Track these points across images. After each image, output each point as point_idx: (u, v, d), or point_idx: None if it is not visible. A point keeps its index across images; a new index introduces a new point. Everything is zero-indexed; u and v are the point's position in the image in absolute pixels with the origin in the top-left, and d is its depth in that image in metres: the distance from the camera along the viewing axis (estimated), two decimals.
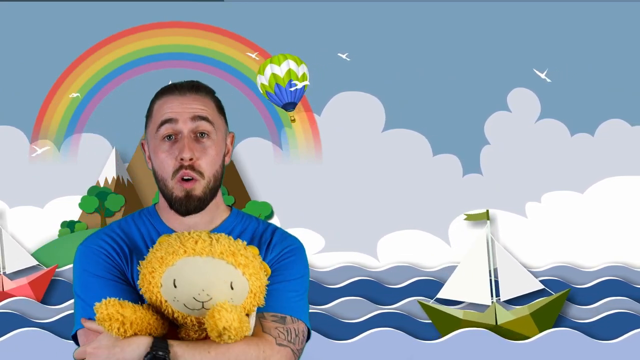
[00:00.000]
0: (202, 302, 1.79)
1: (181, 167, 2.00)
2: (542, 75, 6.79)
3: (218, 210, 2.09)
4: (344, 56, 6.92)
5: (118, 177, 7.10)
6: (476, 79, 6.94)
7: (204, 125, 2.03)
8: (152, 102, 2.09)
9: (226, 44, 7.06)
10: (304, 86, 6.77)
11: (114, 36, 7.11)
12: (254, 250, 1.88)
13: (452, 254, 6.85)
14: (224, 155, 2.10)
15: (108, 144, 7.09)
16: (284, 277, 2.02)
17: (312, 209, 6.87)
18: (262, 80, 6.78)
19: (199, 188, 2.01)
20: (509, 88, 6.97)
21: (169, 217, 2.06)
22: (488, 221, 6.27)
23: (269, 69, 6.72)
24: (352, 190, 6.92)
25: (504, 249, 6.33)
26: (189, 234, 1.86)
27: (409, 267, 6.83)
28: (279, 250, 2.04)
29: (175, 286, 1.80)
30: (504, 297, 6.20)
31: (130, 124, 6.93)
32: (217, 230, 2.05)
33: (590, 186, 6.82)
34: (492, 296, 6.20)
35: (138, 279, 1.88)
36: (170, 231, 2.03)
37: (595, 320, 6.18)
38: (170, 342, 1.83)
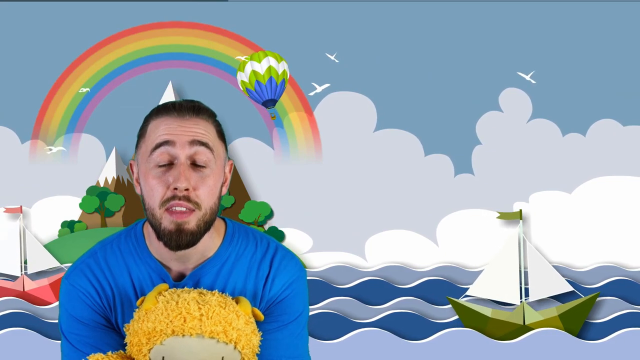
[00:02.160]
0: None
1: (174, 197, 1.80)
2: (527, 77, 6.78)
3: (211, 240, 1.92)
4: (332, 57, 6.93)
5: (118, 177, 7.07)
6: (468, 79, 6.93)
7: (203, 153, 1.84)
8: (147, 120, 1.90)
9: (226, 44, 7.04)
10: (284, 83, 6.78)
11: (114, 36, 7.08)
12: (246, 307, 1.81)
13: (441, 254, 6.85)
14: (222, 186, 1.91)
15: (108, 144, 7.07)
16: (288, 318, 1.94)
17: (303, 209, 6.88)
18: (243, 77, 6.74)
19: (193, 221, 1.81)
20: (500, 88, 6.96)
21: (157, 247, 1.90)
22: (520, 221, 6.27)
23: (249, 66, 6.69)
24: (344, 190, 6.92)
25: (535, 249, 6.32)
26: (177, 303, 1.75)
27: (400, 267, 6.84)
28: (278, 288, 1.92)
29: None
30: (532, 297, 6.20)
31: (131, 124, 6.97)
32: (209, 262, 1.92)
33: (578, 186, 6.79)
34: (521, 296, 6.20)
35: (124, 323, 1.83)
36: (159, 267, 1.90)
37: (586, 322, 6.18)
38: None
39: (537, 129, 6.95)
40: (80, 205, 7.04)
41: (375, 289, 6.71)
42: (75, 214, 7.05)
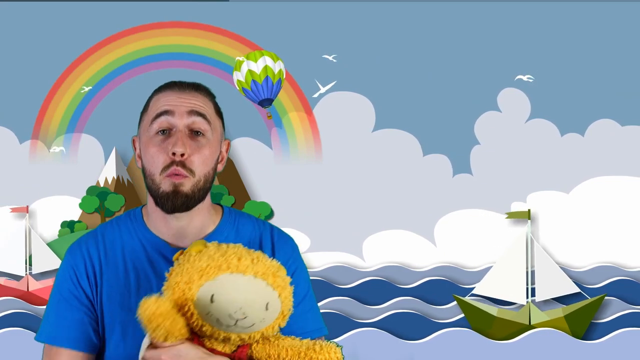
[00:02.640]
0: (237, 320, 1.77)
1: (172, 162, 1.93)
2: (525, 78, 6.78)
3: (209, 215, 2.04)
4: (330, 57, 6.94)
5: (118, 177, 7.06)
6: (466, 79, 6.93)
7: (200, 122, 1.97)
8: (150, 97, 2.07)
9: (226, 44, 7.03)
10: (280, 82, 6.77)
11: (114, 36, 7.07)
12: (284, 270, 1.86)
13: (439, 254, 6.85)
14: (218, 161, 2.03)
15: (108, 144, 7.06)
16: (301, 290, 2.01)
17: (301, 208, 6.89)
18: (239, 76, 6.74)
19: (187, 184, 1.94)
20: (499, 88, 6.95)
21: (155, 221, 2.01)
22: (529, 220, 6.27)
23: (245, 66, 6.69)
24: (342, 190, 6.93)
25: (543, 249, 6.32)
26: (228, 246, 1.83)
27: (399, 267, 6.84)
28: (284, 259, 1.96)
29: (212, 301, 1.76)
30: (539, 297, 6.20)
31: (131, 124, 6.97)
32: (210, 237, 2.01)
33: (576, 186, 6.78)
34: (527, 296, 6.20)
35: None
36: (157, 240, 2.00)
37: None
38: None
39: (535, 129, 6.94)
40: (80, 205, 7.02)
41: (375, 289, 6.72)
42: (75, 214, 7.03)
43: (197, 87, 2.04)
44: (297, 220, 6.86)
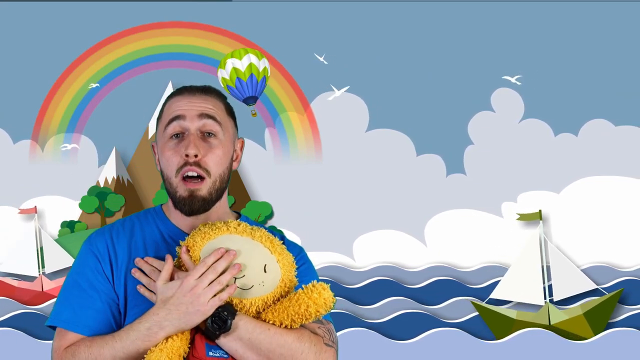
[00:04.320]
0: (235, 278, 1.84)
1: (186, 164, 1.99)
2: (513, 80, 6.76)
3: (225, 216, 2.08)
4: (321, 58, 6.95)
5: (118, 177, 7.05)
6: (459, 79, 6.93)
7: (210, 124, 2.02)
8: (163, 104, 2.11)
9: (226, 44, 7.03)
10: (264, 80, 6.75)
11: (114, 36, 7.08)
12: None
13: (435, 255, 6.85)
14: (232, 159, 2.11)
15: (108, 144, 7.05)
16: (310, 281, 2.00)
17: (296, 208, 6.90)
18: (224, 74, 6.68)
19: (204, 188, 2.00)
20: (492, 88, 6.95)
21: (176, 216, 2.07)
22: (540, 221, 6.27)
23: (230, 63, 6.64)
24: (336, 190, 6.93)
25: (557, 248, 6.32)
26: (230, 220, 1.94)
27: (392, 266, 6.85)
28: (294, 256, 2.00)
29: None
30: (557, 297, 6.21)
31: (131, 124, 7.02)
32: None
33: (566, 186, 6.76)
34: (545, 296, 6.20)
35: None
36: (176, 230, 2.06)
37: None
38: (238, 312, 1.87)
39: (529, 129, 6.94)
40: (80, 205, 7.03)
41: (370, 289, 6.73)
42: (75, 214, 7.04)
43: (206, 91, 2.09)
44: (290, 220, 6.89)
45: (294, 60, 7.05)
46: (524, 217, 6.41)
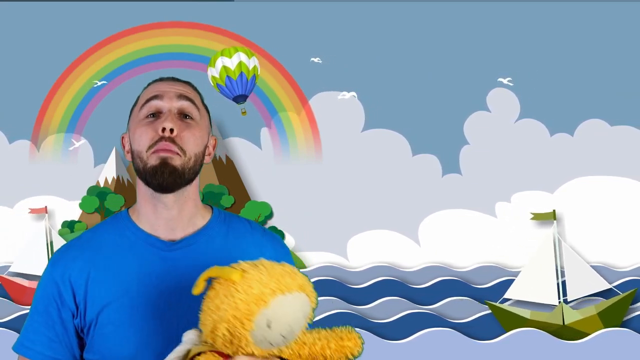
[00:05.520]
0: (285, 337, 1.76)
1: (161, 139, 1.89)
2: (505, 81, 6.75)
3: (197, 209, 2.00)
4: (316, 60, 6.95)
5: (118, 177, 7.05)
6: (455, 79, 6.92)
7: (189, 107, 1.95)
8: (140, 94, 2.05)
9: (226, 44, 6.99)
10: (254, 79, 6.74)
11: (114, 36, 7.07)
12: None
13: (432, 255, 6.85)
14: (204, 152, 1.99)
15: (108, 144, 7.06)
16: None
17: (290, 208, 6.91)
18: (213, 72, 6.70)
19: (177, 160, 1.90)
20: (488, 88, 6.94)
21: (146, 215, 1.97)
22: (555, 221, 6.27)
23: (220, 62, 6.65)
24: (331, 190, 6.93)
25: (571, 248, 6.32)
26: (265, 266, 1.75)
27: (386, 266, 6.86)
28: (274, 252, 1.97)
29: (269, 327, 1.72)
30: (571, 297, 6.21)
31: None
32: (202, 231, 1.99)
33: (560, 186, 6.75)
34: (559, 296, 6.20)
35: (199, 312, 1.75)
36: (145, 234, 1.97)
37: None
38: None
39: (525, 129, 6.93)
40: (80, 205, 7.01)
41: (369, 289, 6.75)
42: (75, 214, 7.04)
43: (185, 81, 2.05)
44: (289, 220, 6.89)
45: (293, 60, 7.04)
46: (538, 217, 6.40)
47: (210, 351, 1.77)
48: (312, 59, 6.94)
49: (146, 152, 1.90)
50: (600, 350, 5.72)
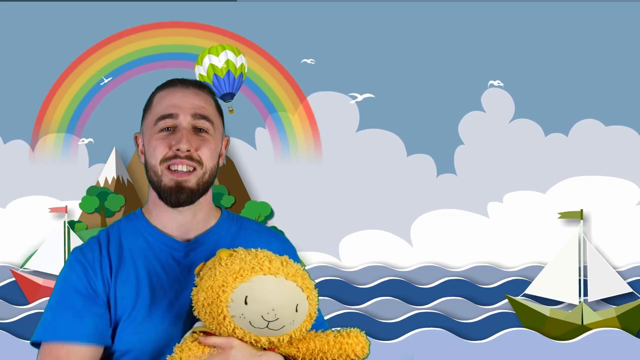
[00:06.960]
0: (268, 322, 1.78)
1: (175, 156, 1.93)
2: (496, 84, 6.75)
3: (210, 211, 2.04)
4: (309, 61, 6.95)
5: (118, 177, 7.05)
6: (450, 79, 6.91)
7: (203, 123, 1.97)
8: (153, 94, 2.05)
9: (226, 44, 7.08)
10: (242, 77, 6.72)
11: (114, 36, 7.07)
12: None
13: (415, 254, 6.85)
14: (219, 162, 2.03)
15: (108, 144, 7.04)
16: None
17: (285, 208, 6.92)
18: (201, 70, 6.68)
19: (193, 180, 1.94)
20: (483, 88, 6.93)
21: (159, 216, 2.00)
22: (581, 220, 6.27)
23: (207, 60, 6.63)
24: (326, 190, 6.93)
25: (596, 249, 6.31)
26: (257, 250, 1.83)
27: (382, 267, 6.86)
28: (282, 249, 1.99)
29: (246, 303, 1.77)
30: (591, 297, 6.21)
31: (131, 124, 7.05)
32: (213, 229, 2.03)
33: (552, 186, 6.73)
34: (580, 296, 6.20)
35: (192, 293, 1.82)
36: (160, 234, 2.00)
37: None
38: None
39: (519, 129, 6.93)
40: (80, 205, 7.01)
41: (357, 289, 6.76)
42: (75, 214, 7.03)
43: (199, 85, 2.04)
44: (286, 219, 6.90)
45: (294, 60, 7.05)
46: (565, 216, 6.40)
47: (201, 331, 1.83)
48: (305, 59, 6.94)
49: (160, 165, 1.94)
50: (590, 351, 5.72)
